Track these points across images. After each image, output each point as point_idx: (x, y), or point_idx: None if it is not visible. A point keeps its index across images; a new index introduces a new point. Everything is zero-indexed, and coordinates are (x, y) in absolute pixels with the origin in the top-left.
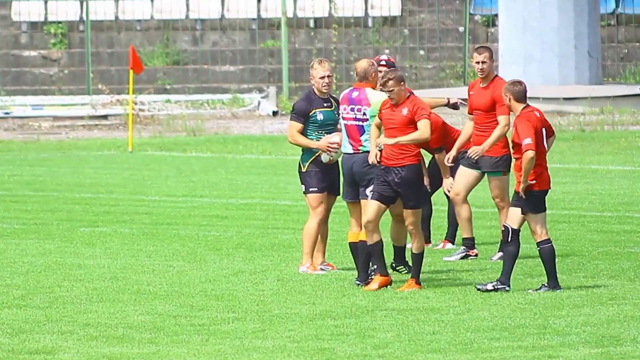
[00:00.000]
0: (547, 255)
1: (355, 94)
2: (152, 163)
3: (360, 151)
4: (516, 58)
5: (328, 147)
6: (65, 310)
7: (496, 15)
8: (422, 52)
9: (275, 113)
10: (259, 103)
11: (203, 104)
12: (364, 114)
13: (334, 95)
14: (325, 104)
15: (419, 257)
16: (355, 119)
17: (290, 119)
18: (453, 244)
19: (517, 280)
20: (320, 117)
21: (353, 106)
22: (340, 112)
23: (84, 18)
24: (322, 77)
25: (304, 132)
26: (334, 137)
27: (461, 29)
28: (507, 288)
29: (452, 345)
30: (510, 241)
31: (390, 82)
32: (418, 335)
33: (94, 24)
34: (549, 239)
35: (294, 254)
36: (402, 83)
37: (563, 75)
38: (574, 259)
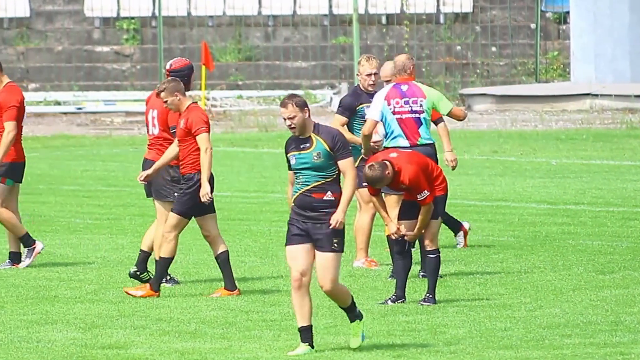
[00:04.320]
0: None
1: (405, 87)
2: (224, 159)
3: (418, 144)
4: (588, 55)
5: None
6: (137, 305)
7: (568, 12)
8: (494, 49)
9: None
10: (330, 99)
11: (275, 100)
12: (421, 105)
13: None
14: (371, 99)
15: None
16: (412, 112)
17: (336, 113)
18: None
19: (589, 277)
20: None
21: (407, 99)
22: (389, 107)
23: (157, 14)
24: (369, 75)
25: (350, 127)
26: (375, 137)
27: (533, 25)
28: (404, 301)
29: (523, 341)
30: (406, 253)
31: (163, 94)
32: (489, 332)
33: (166, 19)
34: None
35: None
36: (176, 93)
37: (635, 72)
38: None
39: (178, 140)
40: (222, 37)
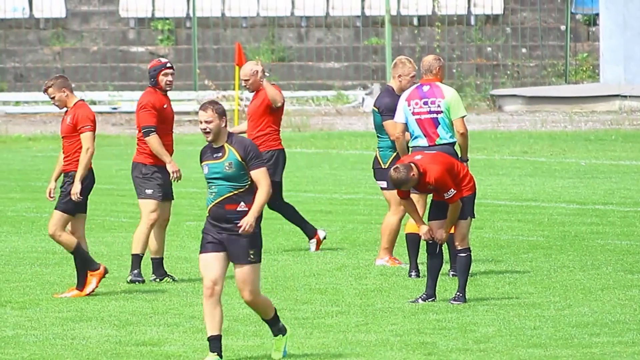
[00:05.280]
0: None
1: (426, 88)
2: None
3: (437, 144)
4: (617, 57)
5: None
6: (171, 302)
7: (597, 14)
8: (524, 50)
9: None
10: (363, 100)
11: (308, 100)
12: (439, 106)
13: None
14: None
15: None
16: (430, 112)
17: (387, 119)
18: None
19: (618, 277)
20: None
21: (426, 99)
22: (409, 108)
23: (191, 15)
24: (413, 76)
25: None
26: None
27: (563, 27)
28: (434, 299)
29: (552, 340)
30: (437, 253)
31: (50, 89)
32: (519, 330)
33: (200, 20)
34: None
35: (396, 249)
36: (63, 89)
37: None
38: None
39: (63, 137)
40: (255, 37)
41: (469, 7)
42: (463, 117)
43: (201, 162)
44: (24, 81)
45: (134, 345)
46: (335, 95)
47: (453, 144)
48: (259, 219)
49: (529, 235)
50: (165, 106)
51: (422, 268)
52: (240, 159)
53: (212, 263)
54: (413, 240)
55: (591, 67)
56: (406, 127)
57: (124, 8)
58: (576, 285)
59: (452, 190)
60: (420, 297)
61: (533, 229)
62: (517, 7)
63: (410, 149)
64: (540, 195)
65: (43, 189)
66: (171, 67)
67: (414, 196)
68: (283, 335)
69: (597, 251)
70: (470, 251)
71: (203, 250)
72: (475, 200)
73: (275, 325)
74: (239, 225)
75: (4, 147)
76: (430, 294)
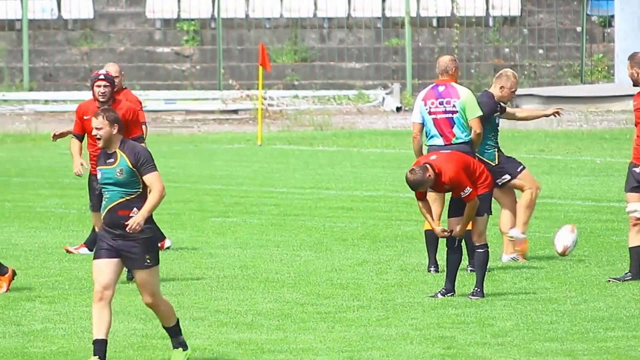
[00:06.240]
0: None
1: (441, 88)
2: (280, 156)
3: (453, 143)
4: None
5: None
6: (196, 297)
7: (612, 15)
8: (541, 51)
9: (399, 109)
10: (383, 99)
11: (330, 99)
12: (454, 106)
13: None
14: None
15: None
16: (445, 112)
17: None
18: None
19: None
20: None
21: (442, 99)
22: (425, 108)
23: (216, 15)
24: (514, 91)
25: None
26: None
27: (579, 29)
28: (453, 294)
29: (569, 334)
30: (457, 248)
31: None
32: (536, 325)
33: (225, 21)
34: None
35: (416, 245)
36: None
37: None
38: None
39: None
40: (278, 38)
41: (487, 8)
42: (479, 116)
43: (97, 166)
44: (53, 80)
45: (160, 338)
46: (357, 94)
47: (468, 142)
48: (151, 221)
49: (546, 232)
50: (86, 117)
51: (441, 263)
52: (130, 166)
53: (104, 269)
54: (432, 237)
55: (606, 67)
56: (422, 126)
57: (151, 9)
58: (592, 280)
59: (468, 188)
60: (439, 291)
61: (549, 226)
62: (534, 9)
63: (427, 147)
64: (557, 193)
65: (71, 186)
66: (105, 79)
67: (431, 195)
68: (184, 350)
69: (612, 247)
70: (487, 247)
71: (96, 256)
72: (492, 197)
73: (176, 337)
74: (126, 223)
75: (34, 144)
76: (449, 289)
